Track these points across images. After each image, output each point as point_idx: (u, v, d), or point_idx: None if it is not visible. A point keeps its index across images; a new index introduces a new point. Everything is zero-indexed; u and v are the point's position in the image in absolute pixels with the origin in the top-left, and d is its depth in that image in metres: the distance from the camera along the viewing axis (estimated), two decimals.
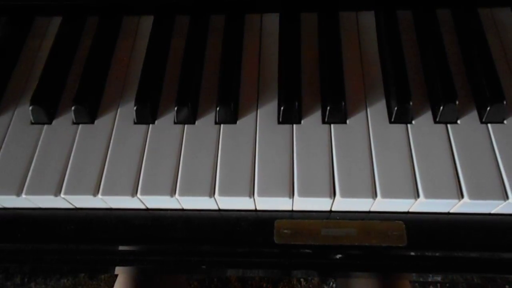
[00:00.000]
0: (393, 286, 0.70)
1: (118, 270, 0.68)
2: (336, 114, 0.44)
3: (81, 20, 0.55)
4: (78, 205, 0.45)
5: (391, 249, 0.44)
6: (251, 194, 0.41)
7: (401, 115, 0.44)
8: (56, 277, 1.38)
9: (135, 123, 0.46)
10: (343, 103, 0.44)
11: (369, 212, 0.43)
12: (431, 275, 0.55)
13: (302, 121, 0.45)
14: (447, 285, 1.28)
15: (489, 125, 0.43)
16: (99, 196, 0.42)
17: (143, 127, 0.45)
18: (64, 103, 0.48)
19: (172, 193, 0.41)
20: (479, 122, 0.44)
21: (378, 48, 0.50)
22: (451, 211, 0.42)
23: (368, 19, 0.52)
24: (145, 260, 0.49)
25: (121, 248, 0.47)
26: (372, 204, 0.41)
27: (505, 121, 0.44)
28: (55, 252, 0.47)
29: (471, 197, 0.39)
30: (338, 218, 0.43)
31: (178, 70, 0.49)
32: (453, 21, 0.51)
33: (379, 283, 0.70)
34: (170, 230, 0.45)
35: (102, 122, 0.46)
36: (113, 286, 0.70)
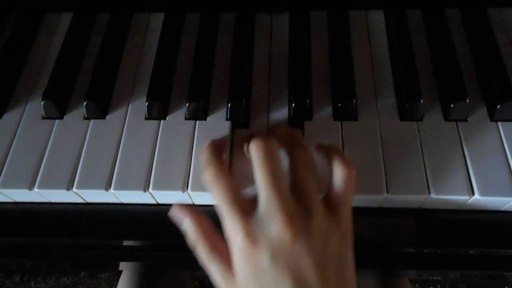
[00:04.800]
0: (394, 285, 0.70)
1: (123, 266, 0.68)
2: (347, 112, 0.44)
3: (92, 17, 0.55)
4: (89, 200, 0.45)
5: (401, 246, 0.45)
6: None
7: (411, 113, 0.44)
8: (56, 275, 1.37)
9: (146, 118, 0.46)
10: (354, 101, 0.44)
11: (380, 208, 0.43)
12: (432, 275, 0.56)
13: (313, 118, 0.45)
14: (447, 286, 1.29)
15: (498, 123, 0.44)
16: (111, 190, 0.42)
17: (154, 122, 0.46)
18: (75, 98, 0.48)
19: (184, 188, 0.42)
20: (489, 120, 0.44)
21: (388, 46, 0.50)
22: (461, 208, 0.43)
23: (377, 17, 0.52)
24: (153, 255, 0.49)
25: (131, 243, 0.47)
26: (383, 200, 0.41)
27: None
28: (65, 247, 0.47)
29: (482, 194, 0.40)
30: None
31: (188, 67, 0.49)
32: (462, 21, 0.51)
33: (379, 281, 0.70)
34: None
35: (113, 117, 0.47)
36: (113, 285, 0.70)
